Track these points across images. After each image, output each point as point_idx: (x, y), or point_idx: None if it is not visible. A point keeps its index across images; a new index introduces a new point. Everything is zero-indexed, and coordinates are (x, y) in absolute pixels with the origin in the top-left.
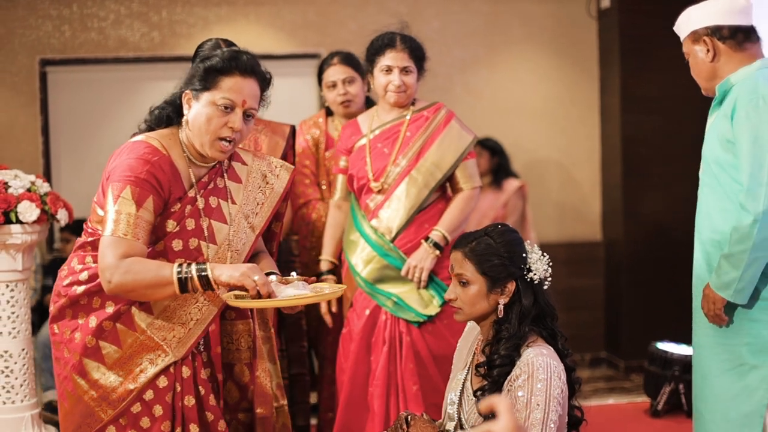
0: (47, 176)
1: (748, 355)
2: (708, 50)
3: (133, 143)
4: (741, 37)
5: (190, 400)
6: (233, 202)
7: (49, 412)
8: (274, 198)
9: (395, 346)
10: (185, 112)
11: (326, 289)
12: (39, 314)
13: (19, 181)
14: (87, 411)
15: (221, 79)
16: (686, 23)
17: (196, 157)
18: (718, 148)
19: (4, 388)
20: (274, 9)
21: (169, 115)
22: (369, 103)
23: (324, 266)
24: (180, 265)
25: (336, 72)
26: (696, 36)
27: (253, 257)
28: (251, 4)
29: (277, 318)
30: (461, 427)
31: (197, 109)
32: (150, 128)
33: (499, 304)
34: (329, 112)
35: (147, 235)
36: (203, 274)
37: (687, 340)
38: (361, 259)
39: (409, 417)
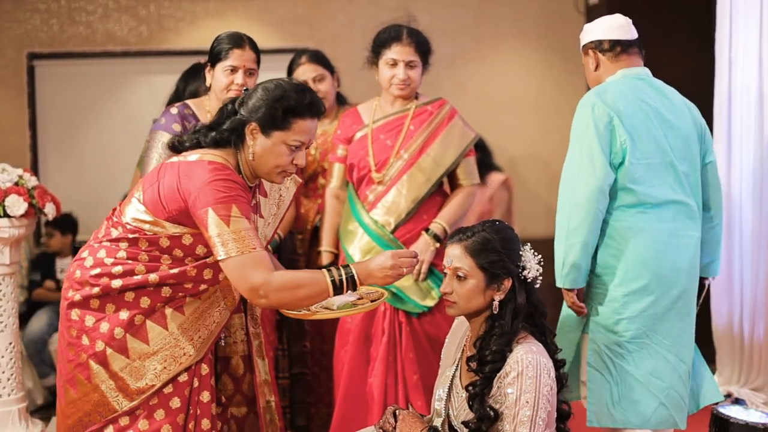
0: (34, 170)
1: (571, 319)
2: (592, 61)
3: (209, 162)
4: (618, 49)
5: (205, 396)
6: (261, 216)
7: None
8: (283, 209)
9: (395, 336)
10: (249, 142)
11: (372, 294)
12: (26, 309)
13: (6, 174)
14: (101, 400)
15: (295, 121)
16: (582, 38)
17: (249, 179)
18: None
19: None
20: (263, 3)
21: (229, 138)
22: (340, 99)
23: (326, 258)
24: (330, 272)
25: (306, 70)
26: (585, 49)
27: None
28: None
29: (275, 317)
30: (449, 423)
31: (265, 145)
32: (198, 145)
33: (494, 300)
34: None
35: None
36: (350, 275)
37: None
38: (359, 249)
39: (397, 411)
